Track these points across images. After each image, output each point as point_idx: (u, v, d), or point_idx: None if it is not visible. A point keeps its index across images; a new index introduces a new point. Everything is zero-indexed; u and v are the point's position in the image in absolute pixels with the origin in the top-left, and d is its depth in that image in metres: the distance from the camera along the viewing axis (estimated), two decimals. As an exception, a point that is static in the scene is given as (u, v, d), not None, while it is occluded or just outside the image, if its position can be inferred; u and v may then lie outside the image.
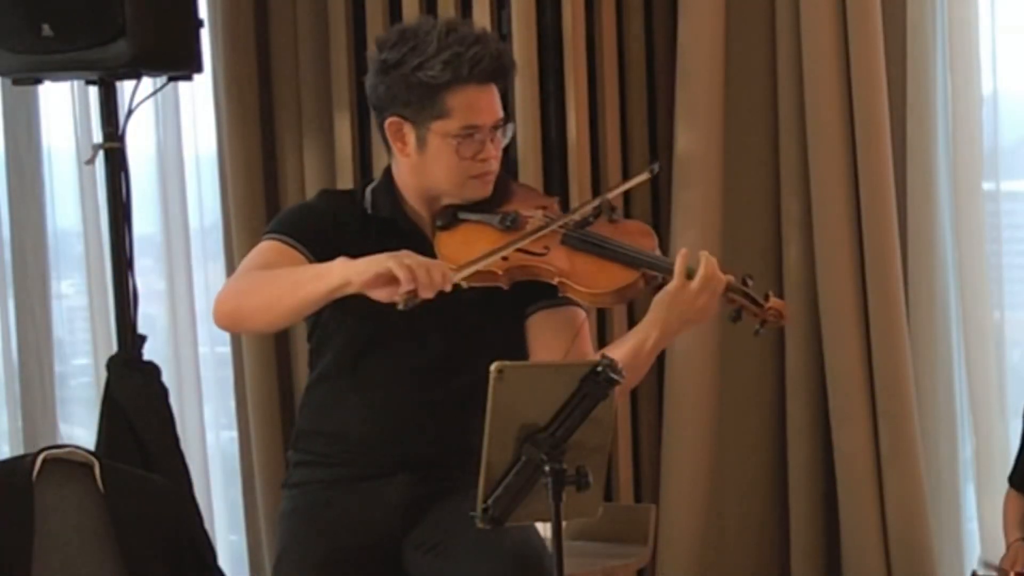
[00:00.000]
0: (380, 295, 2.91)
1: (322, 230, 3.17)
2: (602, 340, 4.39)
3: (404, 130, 3.17)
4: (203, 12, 4.28)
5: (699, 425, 4.55)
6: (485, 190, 3.21)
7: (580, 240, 3.14)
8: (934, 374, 4.52)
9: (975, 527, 4.51)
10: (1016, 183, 4.54)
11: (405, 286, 2.86)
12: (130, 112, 4.20)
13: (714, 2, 4.47)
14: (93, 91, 4.29)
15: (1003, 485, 4.02)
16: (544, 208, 3.23)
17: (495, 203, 3.22)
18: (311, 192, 4.61)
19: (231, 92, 4.64)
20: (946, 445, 4.55)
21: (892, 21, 4.41)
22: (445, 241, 3.16)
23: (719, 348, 4.56)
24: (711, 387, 4.55)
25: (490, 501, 2.71)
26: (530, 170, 4.42)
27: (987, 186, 4.45)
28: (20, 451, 4.48)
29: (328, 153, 4.64)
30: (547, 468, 2.68)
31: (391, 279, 2.88)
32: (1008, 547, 3.89)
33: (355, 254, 3.03)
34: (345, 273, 2.93)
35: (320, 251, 3.11)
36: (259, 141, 4.69)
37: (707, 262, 3.06)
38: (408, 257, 2.89)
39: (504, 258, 3.09)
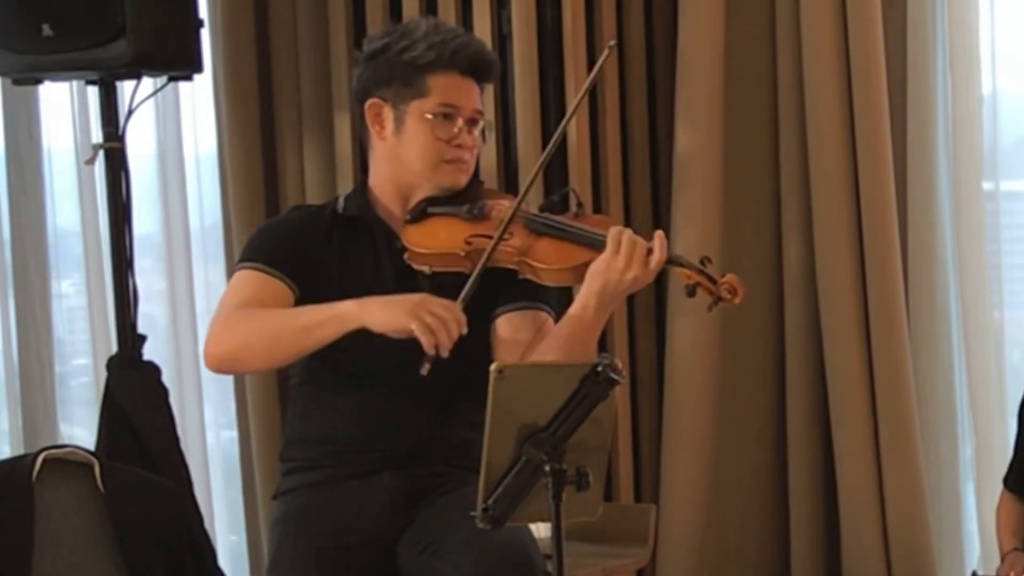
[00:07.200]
0: (396, 335, 2.97)
1: (292, 247, 3.23)
2: (603, 345, 4.39)
3: (383, 112, 3.25)
4: (203, 12, 4.28)
5: (699, 425, 4.54)
6: (457, 178, 3.26)
7: (543, 224, 3.22)
8: (934, 374, 4.52)
9: (975, 527, 4.51)
10: (1016, 183, 4.54)
11: (428, 350, 2.95)
12: (130, 112, 4.20)
13: (714, 2, 4.47)
14: (93, 91, 4.28)
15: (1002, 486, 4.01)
16: (510, 200, 3.29)
17: (467, 200, 3.25)
18: (311, 192, 4.62)
19: (231, 92, 4.64)
20: (946, 445, 4.54)
21: (892, 21, 4.40)
22: (411, 231, 3.22)
23: (719, 348, 4.55)
24: (711, 387, 4.55)
25: (490, 501, 2.71)
26: (530, 170, 4.40)
27: (987, 186, 4.45)
28: (20, 451, 4.48)
29: (328, 153, 4.64)
30: (547, 468, 2.68)
31: (409, 333, 2.95)
32: (1003, 557, 3.86)
33: (323, 255, 3.17)
34: (362, 318, 3.00)
35: (294, 270, 3.18)
36: (259, 141, 4.69)
37: (628, 240, 3.08)
38: (426, 313, 2.95)
39: (468, 242, 3.16)
